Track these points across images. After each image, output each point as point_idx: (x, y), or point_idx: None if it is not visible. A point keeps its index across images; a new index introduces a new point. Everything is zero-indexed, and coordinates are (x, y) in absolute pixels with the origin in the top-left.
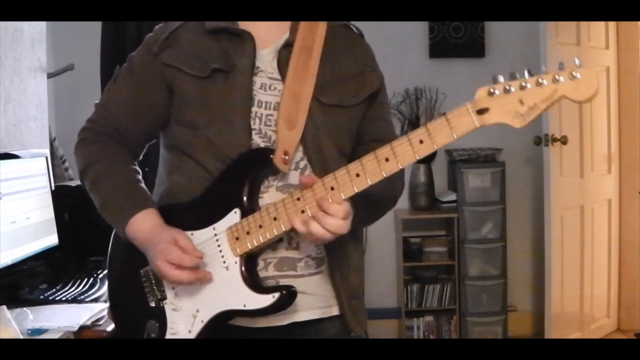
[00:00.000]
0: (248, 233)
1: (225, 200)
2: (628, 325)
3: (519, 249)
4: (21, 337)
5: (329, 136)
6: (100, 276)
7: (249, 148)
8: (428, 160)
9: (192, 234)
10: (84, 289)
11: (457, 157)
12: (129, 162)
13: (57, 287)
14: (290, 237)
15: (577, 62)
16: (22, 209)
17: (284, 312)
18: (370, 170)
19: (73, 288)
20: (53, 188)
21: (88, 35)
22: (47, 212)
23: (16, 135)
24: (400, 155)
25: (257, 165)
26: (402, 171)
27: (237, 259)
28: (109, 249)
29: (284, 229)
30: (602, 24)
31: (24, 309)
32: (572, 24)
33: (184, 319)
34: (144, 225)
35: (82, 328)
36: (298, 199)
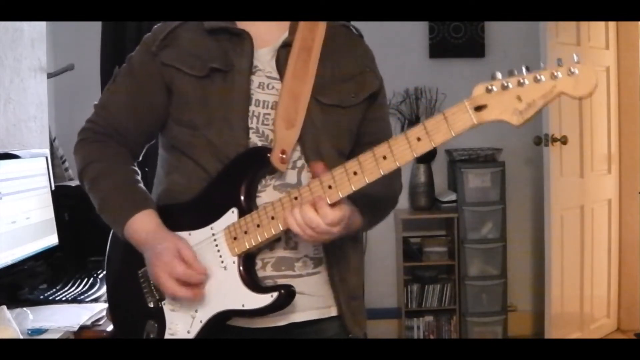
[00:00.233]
0: (246, 232)
1: (223, 200)
2: (628, 325)
3: (519, 249)
4: (21, 337)
5: (327, 136)
6: (100, 276)
7: (247, 147)
8: (428, 160)
9: (189, 234)
10: (84, 289)
11: (457, 157)
12: (129, 163)
13: (57, 287)
14: (288, 237)
15: (575, 58)
16: (22, 209)
17: (282, 312)
18: (368, 169)
19: (73, 288)
20: (53, 188)
21: (88, 35)
22: (47, 212)
23: (16, 135)
24: (398, 153)
25: (255, 164)
26: (399, 171)
27: (235, 259)
28: (107, 249)
29: (281, 228)
30: (602, 24)
31: (24, 309)
32: (572, 24)
33: (183, 320)
34: (143, 226)
35: (82, 328)
36: (295, 198)
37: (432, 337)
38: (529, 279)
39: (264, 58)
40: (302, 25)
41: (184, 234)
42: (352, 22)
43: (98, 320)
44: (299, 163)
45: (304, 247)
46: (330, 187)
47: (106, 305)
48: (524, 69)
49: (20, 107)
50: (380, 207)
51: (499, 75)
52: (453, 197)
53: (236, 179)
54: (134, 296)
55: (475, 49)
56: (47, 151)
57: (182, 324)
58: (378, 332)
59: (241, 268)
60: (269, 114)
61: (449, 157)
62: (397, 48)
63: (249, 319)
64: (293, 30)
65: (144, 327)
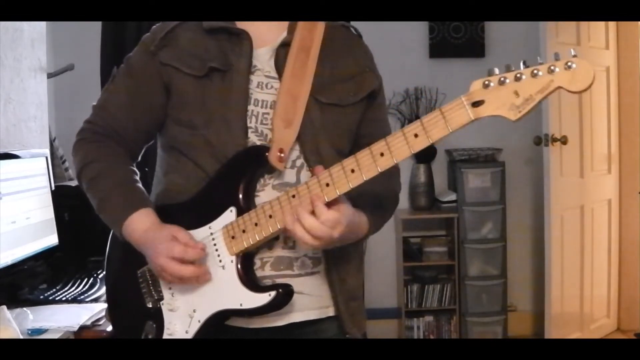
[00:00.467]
0: (244, 231)
1: (221, 199)
2: (628, 325)
3: (519, 249)
4: (21, 337)
5: (326, 135)
6: (100, 276)
7: (245, 147)
8: (428, 160)
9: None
10: (84, 289)
11: (457, 157)
12: (127, 163)
13: (57, 287)
14: (286, 236)
15: (572, 52)
16: (22, 209)
17: (281, 312)
18: (365, 166)
19: (73, 288)
20: (53, 188)
21: (88, 35)
22: (47, 212)
23: (16, 135)
24: (395, 149)
25: (253, 163)
26: (398, 171)
27: (233, 258)
28: (107, 249)
29: (279, 227)
30: (602, 24)
31: (24, 309)
32: (572, 24)
33: (181, 319)
34: (141, 225)
35: (82, 328)
36: (293, 196)
37: (432, 337)
38: (529, 279)
39: (263, 58)
40: (301, 25)
41: (183, 228)
42: (352, 22)
43: (98, 320)
44: (298, 162)
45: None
46: (327, 184)
47: (106, 305)
48: (521, 64)
49: (20, 107)
50: (384, 207)
51: (496, 70)
52: (453, 197)
53: (234, 177)
54: (132, 297)
55: (475, 49)
56: (47, 151)
57: (180, 324)
58: (378, 332)
59: (239, 267)
60: (267, 114)
61: (449, 157)
62: (397, 48)
63: (248, 319)
64: (292, 30)
65: (142, 328)
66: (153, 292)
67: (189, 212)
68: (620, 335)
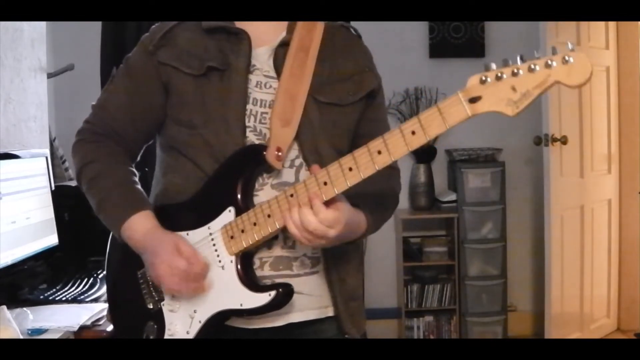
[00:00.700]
0: (243, 231)
1: (220, 199)
2: (628, 325)
3: (519, 249)
4: (21, 337)
5: (325, 135)
6: (100, 276)
7: (243, 146)
8: (428, 160)
9: (187, 234)
10: (84, 289)
11: (457, 157)
12: (126, 163)
13: (57, 287)
14: (286, 236)
15: (570, 46)
16: (22, 209)
17: (281, 312)
18: (362, 164)
19: (73, 288)
20: (53, 188)
21: (88, 35)
22: (47, 212)
23: (16, 135)
24: (392, 147)
25: (250, 162)
26: (398, 172)
27: (233, 258)
28: (107, 250)
29: (278, 227)
30: (602, 24)
31: (24, 309)
32: (572, 24)
33: (182, 320)
34: (140, 227)
35: (82, 328)
36: (291, 196)
37: (432, 337)
38: (529, 279)
39: (262, 57)
40: (300, 25)
41: (182, 234)
42: (352, 22)
43: (98, 320)
44: (297, 162)
45: (302, 246)
46: (325, 183)
47: (106, 305)
48: (518, 59)
49: (20, 107)
50: (384, 206)
51: (493, 65)
52: (453, 197)
53: (232, 177)
54: (133, 297)
55: (475, 49)
56: (47, 151)
57: (181, 325)
58: (378, 332)
59: (239, 267)
60: (266, 113)
61: (449, 157)
62: (397, 48)
63: (248, 319)
64: (291, 29)
65: (143, 329)
66: (153, 293)
67: (188, 212)
68: (620, 335)
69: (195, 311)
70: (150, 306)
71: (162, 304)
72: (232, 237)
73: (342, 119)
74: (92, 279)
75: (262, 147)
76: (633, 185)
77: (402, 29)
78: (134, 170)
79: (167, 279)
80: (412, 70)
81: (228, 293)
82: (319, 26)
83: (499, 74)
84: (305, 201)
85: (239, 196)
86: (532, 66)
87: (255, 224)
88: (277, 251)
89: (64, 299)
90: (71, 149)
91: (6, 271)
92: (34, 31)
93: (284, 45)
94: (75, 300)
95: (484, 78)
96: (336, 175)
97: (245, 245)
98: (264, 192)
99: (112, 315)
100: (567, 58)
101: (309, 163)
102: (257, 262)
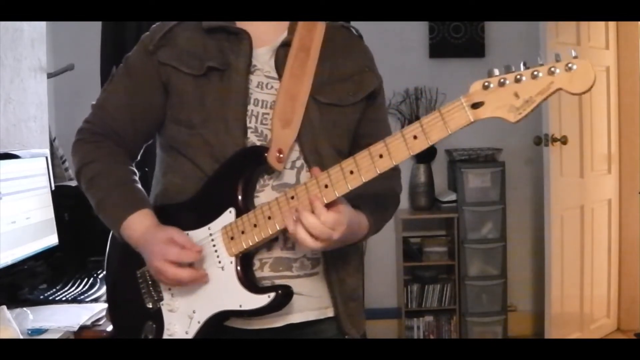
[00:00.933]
0: (243, 232)
1: (220, 200)
2: (628, 325)
3: (519, 249)
4: (21, 337)
5: (326, 135)
6: (100, 276)
7: (244, 147)
8: (428, 160)
9: (187, 234)
10: (84, 289)
11: (457, 157)
12: (126, 163)
13: (57, 287)
14: (286, 237)
15: (573, 53)
16: (22, 209)
17: (280, 313)
18: (364, 167)
19: (73, 288)
20: (53, 188)
21: (88, 35)
22: (47, 212)
23: (16, 135)
24: (394, 151)
25: (252, 163)
26: (399, 173)
27: (233, 259)
28: (107, 250)
29: (278, 228)
30: (602, 24)
31: (24, 309)
32: (572, 24)
33: (181, 320)
34: (139, 226)
35: (82, 328)
36: (292, 198)
37: (432, 337)
38: (529, 279)
39: (263, 58)
40: (301, 25)
41: (182, 231)
42: (352, 22)
43: (98, 320)
44: (298, 163)
45: (302, 247)
46: (326, 186)
47: (106, 305)
48: (521, 65)
49: (20, 107)
50: (385, 207)
51: (496, 71)
52: (453, 197)
53: (233, 178)
54: (132, 297)
55: (475, 49)
56: (47, 151)
57: (180, 325)
58: (378, 332)
59: (239, 268)
60: (267, 114)
61: (449, 157)
62: (397, 48)
63: (247, 320)
64: (292, 30)
65: (142, 328)
66: (153, 293)
67: (188, 213)
68: (620, 335)
69: (194, 311)
70: (150, 306)
71: (161, 303)
72: (232, 238)
73: (342, 119)
74: (92, 279)
75: (263, 149)
76: (633, 185)
77: (402, 29)
78: (134, 169)
79: (163, 268)
80: (412, 70)
81: (227, 294)
82: (320, 26)
83: (502, 80)
84: (306, 203)
85: (239, 197)
86: (535, 73)
87: (255, 226)
88: (277, 252)
89: (64, 299)
90: (71, 149)
91: (6, 271)
92: (34, 31)
93: (285, 45)
94: (75, 300)
95: (486, 84)
96: (337, 178)
97: (245, 247)
98: (265, 194)
99: (112, 314)
100: (570, 65)
101: (309, 164)
102: (257, 263)
